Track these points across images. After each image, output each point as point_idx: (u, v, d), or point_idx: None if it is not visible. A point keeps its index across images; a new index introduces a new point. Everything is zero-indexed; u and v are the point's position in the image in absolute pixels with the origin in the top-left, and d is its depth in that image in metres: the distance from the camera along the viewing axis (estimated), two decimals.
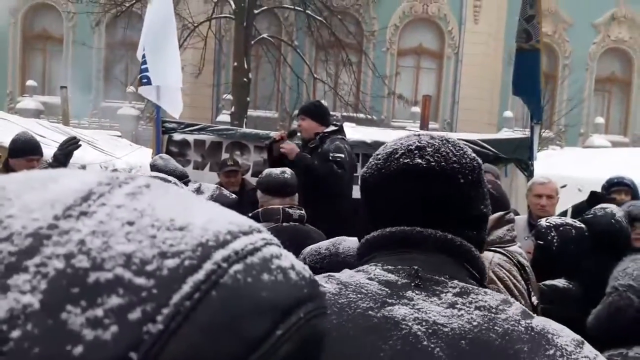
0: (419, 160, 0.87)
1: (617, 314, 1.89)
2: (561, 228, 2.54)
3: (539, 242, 2.56)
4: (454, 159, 0.88)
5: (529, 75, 4.63)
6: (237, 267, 0.32)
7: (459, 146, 0.91)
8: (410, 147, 0.89)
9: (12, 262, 0.29)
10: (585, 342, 0.77)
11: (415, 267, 0.82)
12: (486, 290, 0.83)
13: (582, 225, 2.59)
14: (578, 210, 3.47)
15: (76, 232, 0.31)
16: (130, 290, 0.29)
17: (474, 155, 0.92)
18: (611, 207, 2.80)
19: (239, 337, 0.30)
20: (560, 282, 2.50)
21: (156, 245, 0.31)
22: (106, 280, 0.29)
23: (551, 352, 0.73)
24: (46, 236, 0.30)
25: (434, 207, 0.87)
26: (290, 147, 3.73)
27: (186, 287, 0.30)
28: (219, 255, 0.32)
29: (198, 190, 2.27)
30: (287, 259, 0.35)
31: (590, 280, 2.44)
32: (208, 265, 0.31)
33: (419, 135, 0.93)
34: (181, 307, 0.29)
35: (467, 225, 0.89)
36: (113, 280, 0.29)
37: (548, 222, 2.62)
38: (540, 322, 0.77)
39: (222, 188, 2.38)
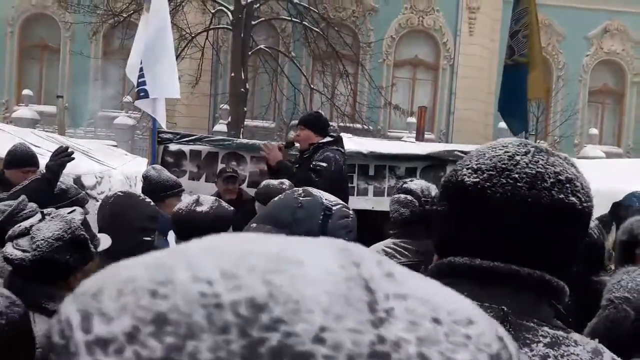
0: (573, 199, 0.77)
1: (613, 327, 1.89)
2: None
3: None
4: (590, 195, 0.80)
5: (514, 90, 4.68)
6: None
7: (584, 175, 0.82)
8: (560, 177, 0.78)
9: None
10: None
11: (504, 309, 0.75)
12: (575, 339, 0.78)
13: None
14: (603, 225, 3.30)
15: (406, 343, 0.27)
16: None
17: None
18: None
19: None
20: None
21: (479, 348, 0.29)
22: None
23: None
24: (385, 355, 0.27)
25: (553, 247, 0.79)
26: (273, 153, 3.72)
27: None
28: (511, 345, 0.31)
29: (197, 202, 2.26)
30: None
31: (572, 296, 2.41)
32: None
33: (549, 154, 0.81)
34: None
35: (569, 263, 0.83)
36: None
37: None
38: None
39: (221, 200, 2.38)
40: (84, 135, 16.66)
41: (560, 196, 0.77)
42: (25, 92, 17.91)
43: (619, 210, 3.63)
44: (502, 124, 17.55)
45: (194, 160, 4.85)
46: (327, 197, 1.28)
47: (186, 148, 4.86)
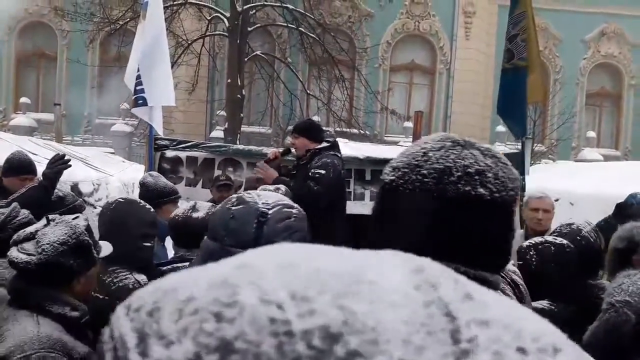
0: (482, 190, 0.77)
1: (614, 331, 1.87)
2: (540, 246, 2.37)
3: (518, 262, 2.38)
4: (510, 185, 0.80)
5: (513, 94, 4.68)
6: None
7: (508, 166, 0.83)
8: (469, 169, 0.78)
9: None
10: None
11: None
12: None
13: (564, 242, 2.40)
14: (607, 227, 3.21)
15: None
16: None
17: (514, 170, 0.84)
18: (578, 223, 2.68)
19: None
20: (541, 305, 2.28)
21: None
22: None
23: None
24: None
25: (481, 239, 0.79)
26: (268, 173, 3.73)
27: None
28: None
29: (193, 209, 2.26)
30: None
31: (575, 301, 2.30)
32: None
33: (465, 147, 0.81)
34: None
35: (503, 251, 0.83)
36: None
37: (529, 242, 2.45)
38: None
39: (217, 206, 2.38)
40: (81, 142, 16.65)
41: (467, 188, 0.77)
42: (23, 100, 17.91)
43: (622, 211, 3.61)
44: (500, 128, 17.66)
45: (191, 167, 4.85)
46: (265, 200, 1.20)
47: (183, 154, 4.85)
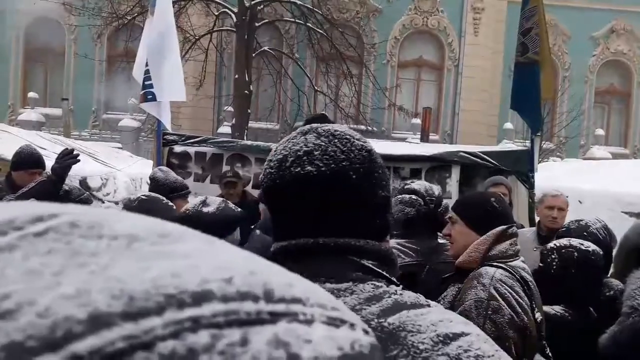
0: (309, 168, 0.86)
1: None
2: (563, 250, 2.31)
3: (540, 264, 2.36)
4: (343, 156, 0.87)
5: (527, 88, 4.62)
6: None
7: (346, 139, 0.89)
8: (299, 152, 0.88)
9: None
10: (462, 337, 0.73)
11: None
12: (353, 290, 0.83)
13: (590, 249, 2.30)
14: None
15: None
16: None
17: (362, 143, 0.91)
18: (588, 220, 2.64)
19: None
20: (554, 310, 2.22)
21: None
22: None
23: (394, 352, 0.72)
24: None
25: (333, 210, 0.87)
26: None
27: None
28: None
29: (204, 203, 2.26)
30: None
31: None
32: None
33: (305, 134, 0.91)
34: None
35: (371, 215, 0.90)
36: None
37: (553, 244, 2.39)
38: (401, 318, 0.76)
39: (228, 201, 2.38)
40: (88, 137, 16.72)
41: (297, 170, 0.87)
42: (31, 95, 18.01)
43: None
44: (507, 125, 17.58)
45: (199, 162, 4.85)
46: None
47: (191, 150, 4.86)
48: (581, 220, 2.67)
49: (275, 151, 0.92)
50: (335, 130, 0.91)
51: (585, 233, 2.55)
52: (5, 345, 0.20)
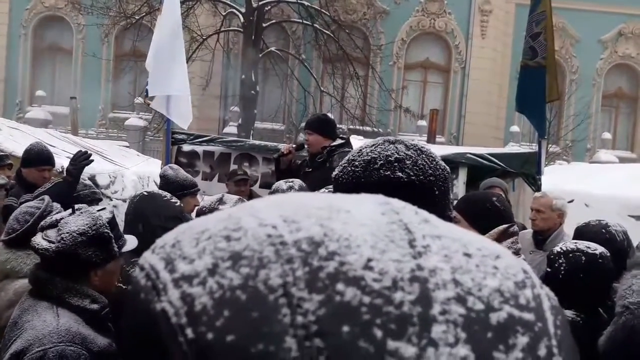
0: (400, 174, 0.90)
1: (633, 334, 1.82)
2: (570, 254, 2.25)
3: (547, 269, 2.30)
4: (430, 171, 0.93)
5: (533, 92, 4.63)
6: None
7: (432, 156, 0.95)
8: (390, 158, 0.92)
9: (420, 313, 0.30)
10: None
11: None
12: None
13: (598, 252, 2.25)
14: None
15: (441, 270, 0.32)
16: (526, 327, 0.30)
17: (444, 163, 0.96)
18: (608, 221, 2.62)
19: None
20: (566, 314, 2.21)
21: (506, 277, 0.33)
22: (504, 320, 0.31)
23: None
24: (424, 279, 0.31)
25: None
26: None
27: (551, 316, 0.33)
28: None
29: (220, 201, 2.29)
30: None
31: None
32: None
33: (393, 143, 0.96)
34: (558, 336, 0.31)
35: None
36: (509, 319, 0.31)
37: (560, 248, 2.33)
38: None
39: (243, 199, 2.40)
40: (95, 136, 16.79)
41: (386, 173, 0.92)
42: (38, 93, 18.10)
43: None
44: (514, 128, 17.53)
45: (207, 161, 4.88)
46: None
47: (199, 149, 4.88)
48: (602, 220, 2.65)
49: (359, 152, 0.96)
50: (422, 146, 0.97)
51: (603, 230, 2.54)
52: (524, 269, 0.35)
